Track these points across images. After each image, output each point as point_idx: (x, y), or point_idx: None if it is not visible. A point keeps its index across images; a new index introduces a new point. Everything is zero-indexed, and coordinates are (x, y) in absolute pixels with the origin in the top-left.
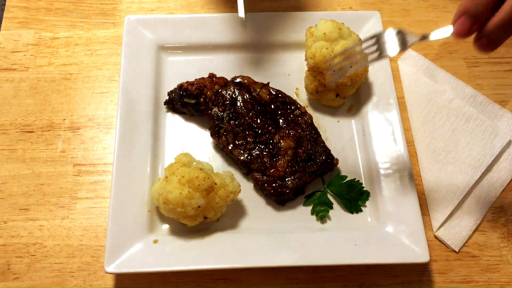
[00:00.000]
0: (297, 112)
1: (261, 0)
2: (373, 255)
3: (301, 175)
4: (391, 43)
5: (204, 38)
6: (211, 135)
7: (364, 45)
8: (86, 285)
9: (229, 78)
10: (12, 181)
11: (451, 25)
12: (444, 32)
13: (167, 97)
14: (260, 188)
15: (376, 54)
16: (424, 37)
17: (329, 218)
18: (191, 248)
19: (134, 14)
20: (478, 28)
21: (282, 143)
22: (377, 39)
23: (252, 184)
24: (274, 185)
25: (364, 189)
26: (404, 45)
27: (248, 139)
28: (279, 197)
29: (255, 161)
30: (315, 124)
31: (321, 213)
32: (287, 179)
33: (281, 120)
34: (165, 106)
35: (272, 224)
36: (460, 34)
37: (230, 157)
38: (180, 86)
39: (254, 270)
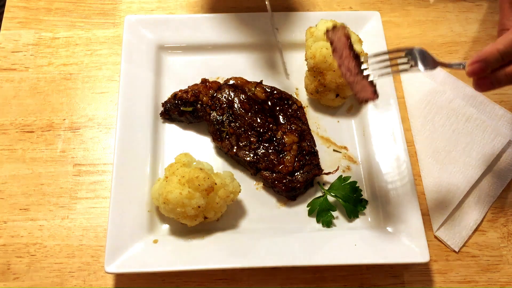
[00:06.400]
0: (295, 106)
1: (262, 0)
2: (373, 255)
3: (309, 168)
4: (422, 59)
5: (204, 38)
6: (214, 140)
7: (391, 56)
8: (86, 285)
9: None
10: (12, 181)
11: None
12: (457, 65)
13: (165, 102)
14: (270, 186)
15: (407, 66)
16: (448, 65)
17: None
18: (191, 248)
19: (134, 14)
20: (487, 73)
21: (286, 139)
22: (407, 53)
23: (252, 184)
24: (285, 181)
25: (362, 197)
26: (434, 64)
27: (252, 139)
28: (291, 193)
29: (262, 160)
30: (315, 124)
31: (327, 219)
32: (296, 174)
33: (280, 116)
34: (161, 117)
35: (272, 224)
36: (471, 75)
37: (234, 159)
38: (175, 95)
39: (254, 270)
